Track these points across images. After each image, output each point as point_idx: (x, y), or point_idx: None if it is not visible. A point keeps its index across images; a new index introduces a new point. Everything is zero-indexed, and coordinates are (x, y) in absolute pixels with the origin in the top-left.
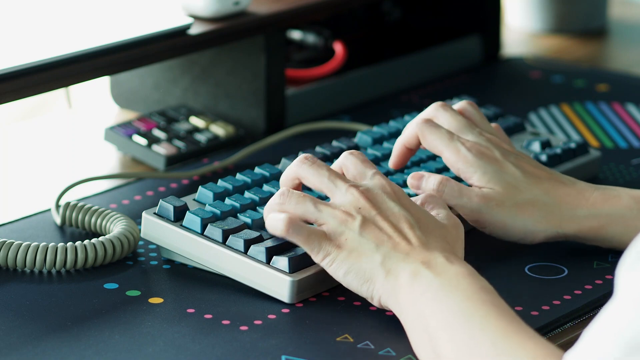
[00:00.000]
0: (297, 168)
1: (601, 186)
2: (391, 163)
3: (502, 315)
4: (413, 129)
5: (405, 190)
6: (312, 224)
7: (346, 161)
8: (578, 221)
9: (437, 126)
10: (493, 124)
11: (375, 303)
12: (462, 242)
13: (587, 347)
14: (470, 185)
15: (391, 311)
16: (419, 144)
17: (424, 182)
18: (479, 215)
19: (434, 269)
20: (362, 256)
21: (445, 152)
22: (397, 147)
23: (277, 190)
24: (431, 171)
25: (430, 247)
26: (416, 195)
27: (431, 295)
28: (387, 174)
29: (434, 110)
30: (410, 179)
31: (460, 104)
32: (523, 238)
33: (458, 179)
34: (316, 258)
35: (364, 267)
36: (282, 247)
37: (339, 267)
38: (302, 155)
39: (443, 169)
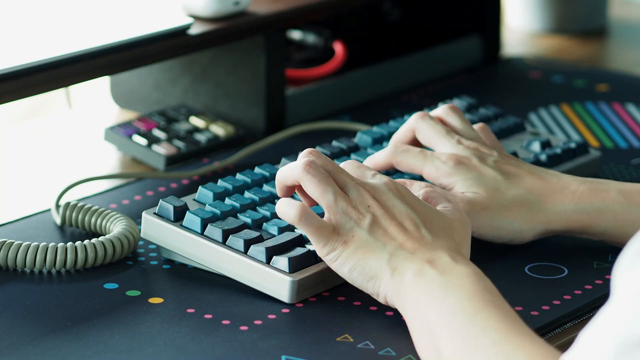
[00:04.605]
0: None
1: (588, 179)
2: None
3: (504, 316)
4: (387, 159)
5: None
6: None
7: (344, 168)
8: (566, 216)
9: (407, 149)
10: (480, 124)
11: (381, 300)
12: (469, 237)
13: (583, 347)
14: None
15: (391, 311)
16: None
17: None
18: None
19: (438, 268)
20: (369, 253)
21: (424, 171)
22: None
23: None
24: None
25: (436, 246)
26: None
27: (434, 294)
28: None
29: (414, 122)
30: None
31: (441, 110)
32: (513, 239)
33: None
34: (321, 251)
35: (369, 264)
36: (282, 247)
37: (343, 263)
38: (306, 151)
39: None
